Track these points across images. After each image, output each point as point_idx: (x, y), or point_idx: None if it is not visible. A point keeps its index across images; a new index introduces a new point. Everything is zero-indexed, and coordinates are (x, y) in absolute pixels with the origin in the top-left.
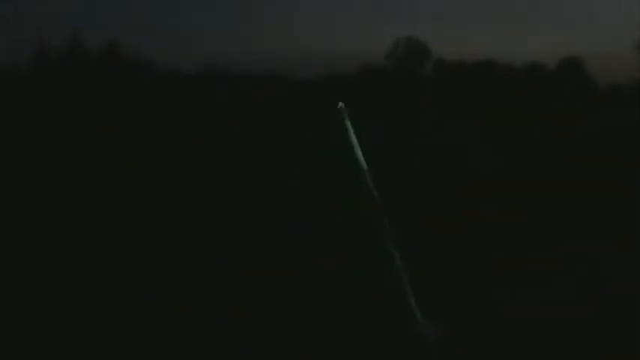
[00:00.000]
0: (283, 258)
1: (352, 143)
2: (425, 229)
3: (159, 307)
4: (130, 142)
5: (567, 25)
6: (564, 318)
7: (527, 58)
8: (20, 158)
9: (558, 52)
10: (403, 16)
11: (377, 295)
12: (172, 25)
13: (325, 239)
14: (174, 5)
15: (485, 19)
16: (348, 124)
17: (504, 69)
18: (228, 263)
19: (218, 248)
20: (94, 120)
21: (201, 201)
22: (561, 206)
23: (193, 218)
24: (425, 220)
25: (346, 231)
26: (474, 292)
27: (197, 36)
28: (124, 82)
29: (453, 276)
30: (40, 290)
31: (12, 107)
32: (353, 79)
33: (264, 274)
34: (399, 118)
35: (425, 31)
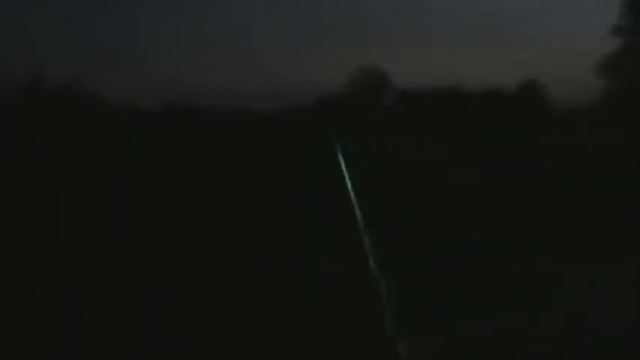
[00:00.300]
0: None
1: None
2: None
3: None
4: (86, 177)
5: (528, 49)
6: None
7: (487, 83)
8: None
9: (518, 76)
10: (362, 43)
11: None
12: (133, 59)
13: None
14: (136, 39)
15: (445, 44)
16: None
17: (464, 94)
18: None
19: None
20: (51, 156)
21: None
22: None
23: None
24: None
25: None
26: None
27: (158, 69)
28: (82, 116)
29: (433, 291)
30: None
31: None
32: (313, 109)
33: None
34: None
35: (384, 59)
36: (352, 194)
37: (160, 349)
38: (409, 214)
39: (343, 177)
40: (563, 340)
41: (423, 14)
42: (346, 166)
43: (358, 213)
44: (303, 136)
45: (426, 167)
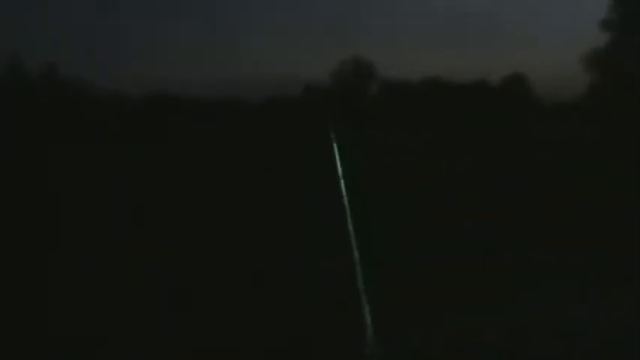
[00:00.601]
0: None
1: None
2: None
3: None
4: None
5: (514, 43)
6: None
7: (473, 76)
8: None
9: (504, 69)
10: (349, 36)
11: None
12: (117, 49)
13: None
14: (121, 29)
15: (432, 37)
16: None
17: (450, 86)
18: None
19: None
20: (35, 146)
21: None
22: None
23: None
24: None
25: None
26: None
27: (142, 59)
28: (65, 106)
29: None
30: None
31: None
32: (299, 99)
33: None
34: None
35: (370, 51)
36: (344, 187)
37: (159, 346)
38: (400, 205)
39: (335, 168)
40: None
41: (413, 10)
42: (339, 157)
43: (347, 207)
44: (294, 126)
45: (414, 159)
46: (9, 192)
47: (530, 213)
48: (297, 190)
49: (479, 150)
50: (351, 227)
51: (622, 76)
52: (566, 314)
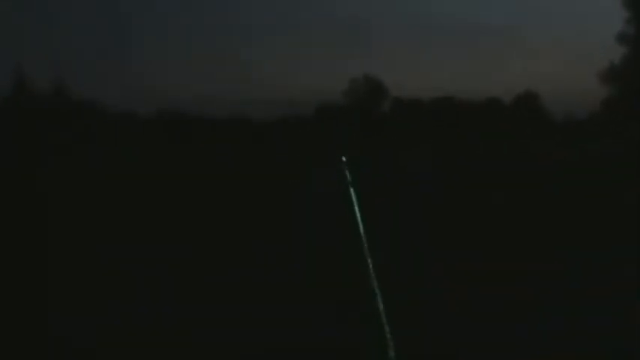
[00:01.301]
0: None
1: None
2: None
3: None
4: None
5: (527, 58)
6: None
7: (485, 94)
8: None
9: (516, 87)
10: (360, 54)
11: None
12: (128, 67)
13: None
14: (130, 47)
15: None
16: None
17: (462, 104)
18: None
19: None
20: (42, 162)
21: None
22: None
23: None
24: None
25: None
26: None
27: (153, 78)
28: (73, 123)
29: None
30: None
31: None
32: (312, 117)
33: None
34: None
35: (382, 68)
36: (357, 207)
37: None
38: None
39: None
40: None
41: (423, 23)
42: (351, 179)
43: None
44: (304, 146)
45: (425, 178)
46: (14, 206)
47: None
48: (306, 207)
49: (489, 165)
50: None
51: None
52: None
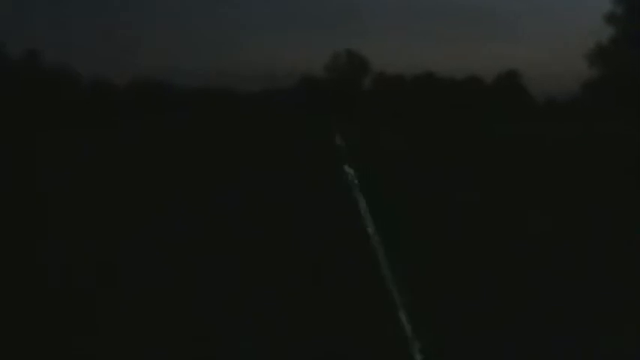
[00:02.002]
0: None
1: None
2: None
3: None
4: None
5: (509, 38)
6: None
7: (466, 72)
8: None
9: (497, 65)
10: (343, 30)
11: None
12: (106, 35)
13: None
14: (112, 15)
15: (424, 33)
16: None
17: (443, 82)
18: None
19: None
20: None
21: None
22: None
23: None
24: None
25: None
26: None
27: (134, 48)
28: (48, 92)
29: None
30: None
31: None
32: (294, 91)
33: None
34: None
35: (364, 44)
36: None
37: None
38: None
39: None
40: None
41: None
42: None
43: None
44: (288, 120)
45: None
46: None
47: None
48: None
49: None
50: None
51: (627, 71)
52: None
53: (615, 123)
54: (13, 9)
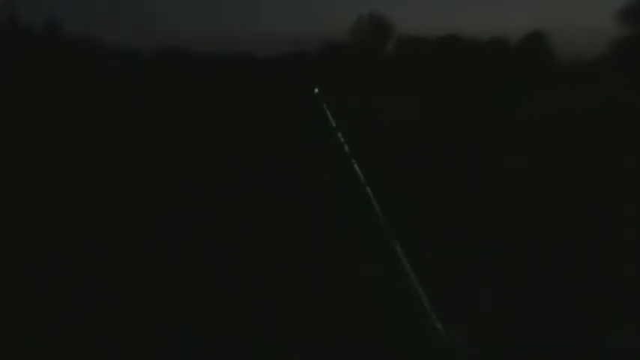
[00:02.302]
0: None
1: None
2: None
3: None
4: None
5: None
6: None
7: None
8: None
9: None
10: None
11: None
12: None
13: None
14: None
15: None
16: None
17: (467, 44)
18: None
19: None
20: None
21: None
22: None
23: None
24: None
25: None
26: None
27: (152, 14)
28: (67, 62)
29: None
30: None
31: None
32: (317, 55)
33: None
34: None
35: (388, 6)
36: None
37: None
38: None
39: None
40: None
41: None
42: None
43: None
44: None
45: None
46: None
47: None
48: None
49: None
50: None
51: None
52: None
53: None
54: None
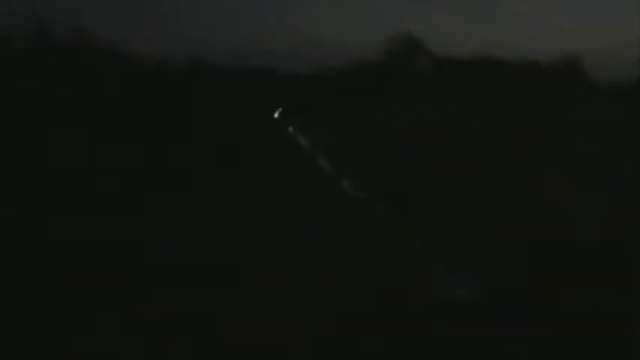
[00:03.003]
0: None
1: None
2: None
3: None
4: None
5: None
6: None
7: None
8: None
9: (555, 50)
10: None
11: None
12: (157, 15)
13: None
14: None
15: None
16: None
17: (500, 65)
18: None
19: None
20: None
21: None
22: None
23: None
24: None
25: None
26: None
27: (184, 27)
28: (95, 72)
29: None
30: None
31: None
32: (347, 72)
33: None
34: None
35: (420, 26)
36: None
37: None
38: None
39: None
40: None
41: None
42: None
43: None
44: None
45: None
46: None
47: None
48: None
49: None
50: None
51: None
52: None
53: None
54: None
